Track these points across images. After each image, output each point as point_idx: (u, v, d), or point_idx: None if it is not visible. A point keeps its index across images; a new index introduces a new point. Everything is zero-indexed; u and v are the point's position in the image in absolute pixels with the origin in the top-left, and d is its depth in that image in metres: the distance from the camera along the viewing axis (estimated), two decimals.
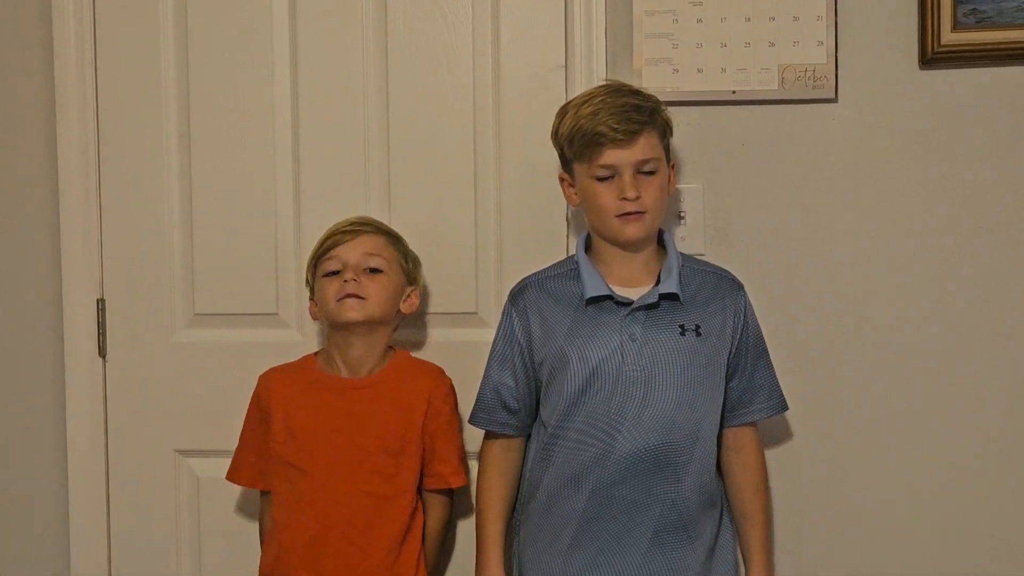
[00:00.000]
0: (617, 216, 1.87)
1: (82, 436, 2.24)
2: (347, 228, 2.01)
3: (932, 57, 2.04)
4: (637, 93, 1.91)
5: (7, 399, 2.27)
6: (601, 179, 1.88)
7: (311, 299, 2.06)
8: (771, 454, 2.10)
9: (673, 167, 1.96)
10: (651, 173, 1.88)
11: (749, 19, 2.08)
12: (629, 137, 1.85)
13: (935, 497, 2.11)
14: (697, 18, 2.08)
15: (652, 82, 2.08)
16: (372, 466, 1.98)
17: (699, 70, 2.09)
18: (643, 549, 1.86)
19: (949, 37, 2.03)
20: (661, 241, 1.96)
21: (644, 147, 1.87)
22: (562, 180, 1.97)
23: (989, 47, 2.03)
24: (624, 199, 1.86)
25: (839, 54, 2.07)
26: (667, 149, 1.93)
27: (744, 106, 2.09)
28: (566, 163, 1.95)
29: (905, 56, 2.07)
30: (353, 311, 1.97)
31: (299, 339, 2.19)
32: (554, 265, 2.00)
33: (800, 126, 2.09)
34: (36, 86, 2.22)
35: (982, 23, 2.03)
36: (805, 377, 2.10)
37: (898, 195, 2.09)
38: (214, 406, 2.19)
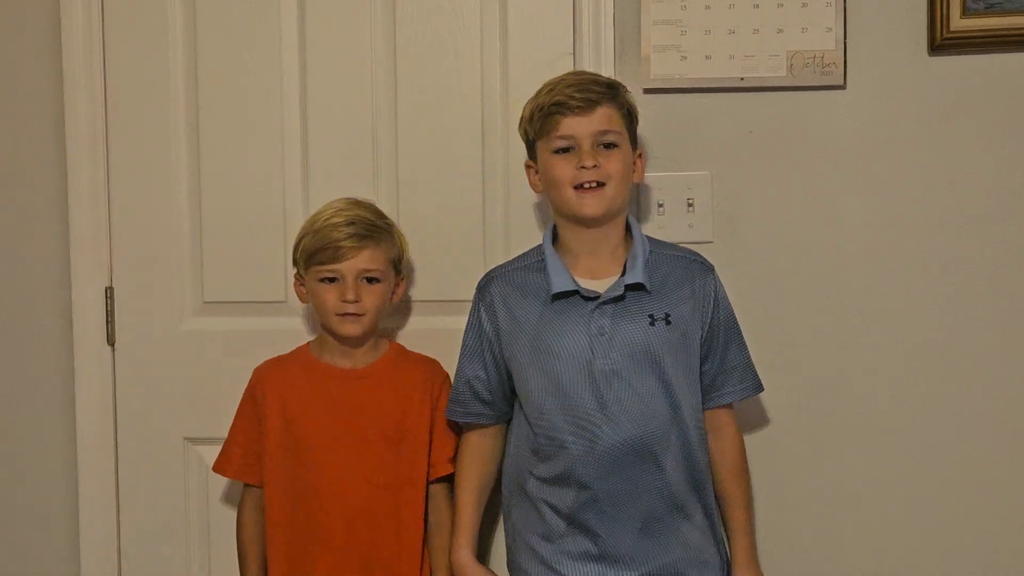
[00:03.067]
0: (575, 188, 1.86)
1: (91, 425, 2.24)
2: (348, 241, 1.96)
3: (941, 43, 2.03)
4: (599, 75, 1.93)
5: (16, 388, 2.28)
6: (560, 151, 1.88)
7: (298, 280, 2.06)
8: (774, 444, 2.11)
9: (640, 156, 1.95)
10: (612, 146, 1.87)
11: (757, 6, 2.07)
12: (587, 105, 1.85)
13: (946, 489, 2.10)
14: (705, 5, 2.08)
15: (660, 69, 2.07)
16: (373, 455, 1.99)
17: (707, 57, 2.09)
18: (634, 537, 1.86)
19: (958, 23, 2.02)
20: (630, 230, 1.95)
21: (602, 118, 1.86)
22: (528, 168, 1.97)
23: (998, 33, 2.02)
24: (582, 167, 1.85)
25: (848, 40, 2.06)
26: (633, 134, 1.92)
27: (752, 93, 2.09)
28: (530, 147, 1.95)
29: (914, 42, 2.06)
30: (352, 327, 1.99)
31: (308, 327, 2.20)
32: (520, 256, 1.99)
33: (808, 113, 2.09)
34: (44, 75, 2.23)
35: (991, 9, 2.02)
36: (811, 364, 2.10)
37: (906, 182, 2.08)
38: (223, 394, 2.17)
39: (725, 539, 1.98)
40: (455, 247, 2.18)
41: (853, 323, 2.10)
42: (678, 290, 1.91)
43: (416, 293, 2.19)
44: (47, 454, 2.27)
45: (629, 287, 1.87)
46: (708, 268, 1.96)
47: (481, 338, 1.96)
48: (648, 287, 1.88)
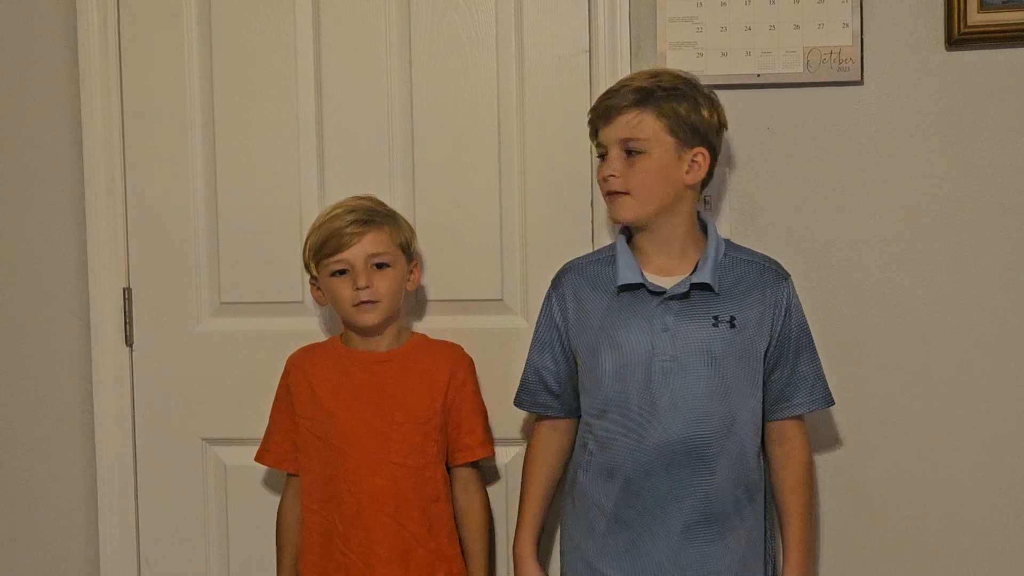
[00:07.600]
0: (607, 194, 1.88)
1: (109, 425, 2.25)
2: (350, 228, 1.98)
3: (958, 38, 2.03)
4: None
5: (35, 389, 2.28)
6: (601, 157, 1.88)
7: (313, 285, 2.06)
8: None
9: (703, 155, 1.88)
10: (636, 153, 1.84)
11: (774, 2, 2.07)
12: (626, 105, 1.85)
13: (959, 478, 2.10)
14: (721, 1, 2.07)
15: (676, 66, 2.06)
16: (401, 437, 2.00)
17: (724, 53, 2.08)
18: (675, 542, 1.85)
19: (975, 18, 2.02)
20: (705, 228, 1.94)
21: (624, 125, 1.84)
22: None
23: (1016, 27, 2.01)
24: (611, 176, 1.85)
25: (865, 36, 2.06)
26: (680, 137, 1.85)
27: (769, 89, 2.08)
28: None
29: (931, 37, 2.05)
30: (370, 316, 2.00)
31: (325, 327, 2.20)
32: (597, 251, 2.01)
33: (826, 109, 2.08)
34: (61, 74, 2.23)
35: (1009, 3, 2.01)
36: (831, 360, 2.08)
37: (924, 177, 2.08)
38: (241, 395, 2.20)
39: (777, 558, 1.95)
40: (471, 245, 2.18)
41: (873, 317, 2.10)
42: (748, 295, 1.89)
43: (431, 292, 2.19)
44: (66, 455, 2.28)
45: (695, 286, 1.86)
46: (783, 276, 1.94)
47: (552, 329, 1.96)
48: (716, 288, 1.87)
